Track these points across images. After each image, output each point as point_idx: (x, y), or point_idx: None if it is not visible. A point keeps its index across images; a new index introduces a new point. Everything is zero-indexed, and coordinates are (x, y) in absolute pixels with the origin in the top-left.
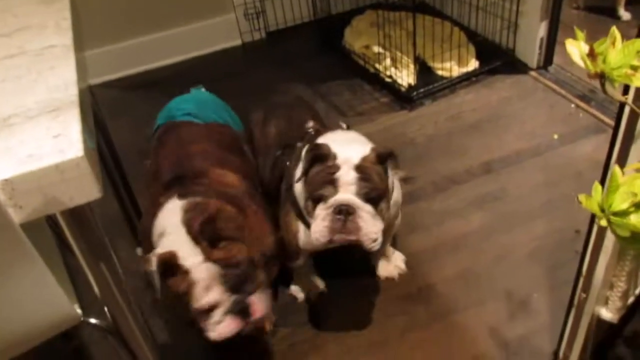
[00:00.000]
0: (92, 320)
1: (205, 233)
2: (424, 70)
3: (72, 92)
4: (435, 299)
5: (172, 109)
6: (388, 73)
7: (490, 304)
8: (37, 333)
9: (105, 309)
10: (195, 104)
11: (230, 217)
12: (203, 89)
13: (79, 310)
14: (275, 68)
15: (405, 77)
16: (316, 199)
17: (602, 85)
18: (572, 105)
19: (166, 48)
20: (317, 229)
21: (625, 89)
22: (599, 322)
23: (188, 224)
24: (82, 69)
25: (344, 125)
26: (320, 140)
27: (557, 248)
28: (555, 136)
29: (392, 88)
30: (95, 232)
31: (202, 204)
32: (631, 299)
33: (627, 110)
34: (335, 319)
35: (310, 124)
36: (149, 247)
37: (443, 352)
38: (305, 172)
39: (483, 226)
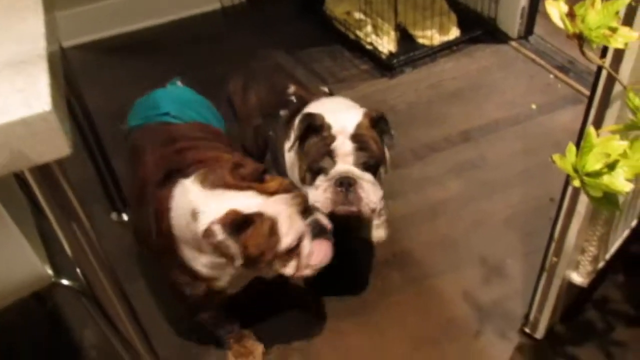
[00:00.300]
0: (64, 282)
1: (246, 176)
2: (405, 38)
3: (40, 46)
4: (411, 264)
5: (147, 108)
6: (369, 40)
7: (465, 269)
8: (7, 292)
9: (78, 270)
10: (173, 102)
11: (248, 161)
12: (179, 83)
13: (49, 271)
14: (255, 33)
15: (386, 44)
16: (316, 171)
17: (580, 47)
18: (551, 76)
19: (143, 10)
20: (319, 199)
21: (603, 53)
22: (569, 286)
23: (220, 182)
24: (52, 28)
25: (326, 90)
26: (311, 109)
27: (533, 215)
28: (534, 106)
29: (372, 55)
30: (66, 191)
31: (214, 165)
32: (601, 264)
33: (604, 74)
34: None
35: (292, 89)
36: (163, 247)
37: (419, 315)
38: (299, 142)
39: (461, 193)
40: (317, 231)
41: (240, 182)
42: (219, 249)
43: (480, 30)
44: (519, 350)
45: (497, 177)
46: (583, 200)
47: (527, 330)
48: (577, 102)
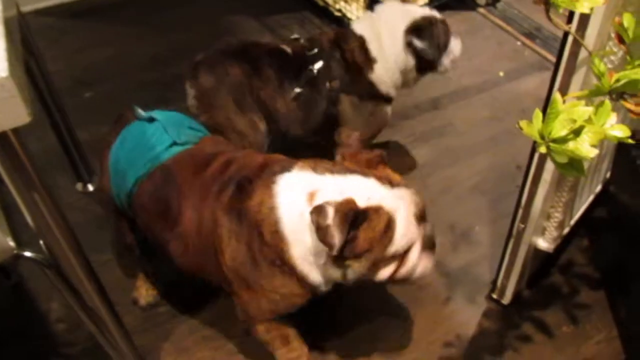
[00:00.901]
0: (27, 254)
1: (366, 162)
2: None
3: None
4: None
5: (144, 152)
6: (337, 7)
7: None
8: None
9: (41, 242)
10: (167, 130)
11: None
12: (141, 112)
13: (11, 243)
14: (224, 1)
15: (355, 10)
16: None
17: (547, 12)
18: (518, 43)
19: None
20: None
21: (569, 19)
22: (535, 252)
23: (336, 168)
24: None
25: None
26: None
27: (500, 182)
28: (501, 73)
29: (342, 22)
30: (25, 160)
31: (281, 164)
32: (567, 229)
33: (570, 39)
34: None
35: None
36: (270, 257)
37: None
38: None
39: (429, 161)
40: (429, 244)
41: (362, 168)
42: (321, 232)
43: None
44: (486, 316)
45: (464, 144)
46: (549, 167)
47: (494, 296)
48: (544, 68)
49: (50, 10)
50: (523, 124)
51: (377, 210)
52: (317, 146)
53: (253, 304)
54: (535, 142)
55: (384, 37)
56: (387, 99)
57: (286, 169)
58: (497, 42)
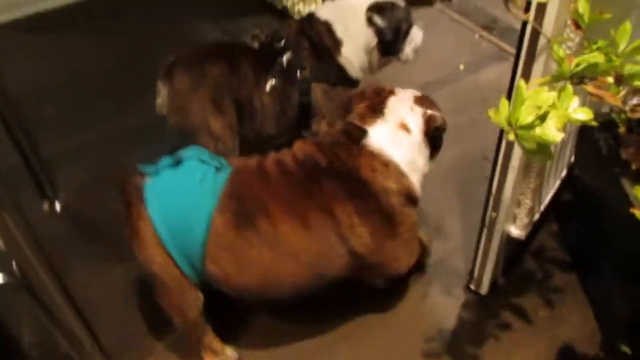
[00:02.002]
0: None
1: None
2: None
3: None
4: None
5: (201, 182)
6: (296, 9)
7: None
8: None
9: (13, 263)
10: (202, 157)
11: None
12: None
13: None
14: (180, 5)
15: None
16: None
17: (506, 2)
18: (476, 35)
19: None
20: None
21: (527, 8)
22: (508, 240)
23: (378, 108)
24: None
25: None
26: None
27: (467, 172)
28: (462, 66)
29: None
30: None
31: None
32: (537, 216)
33: (528, 28)
34: None
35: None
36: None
37: None
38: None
39: None
40: None
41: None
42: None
43: None
44: (465, 307)
45: None
46: (516, 155)
47: (472, 287)
48: (502, 59)
49: (5, 26)
50: (491, 112)
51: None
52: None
53: (403, 255)
54: (502, 130)
55: (348, 17)
56: (354, 83)
57: (359, 130)
58: (455, 36)
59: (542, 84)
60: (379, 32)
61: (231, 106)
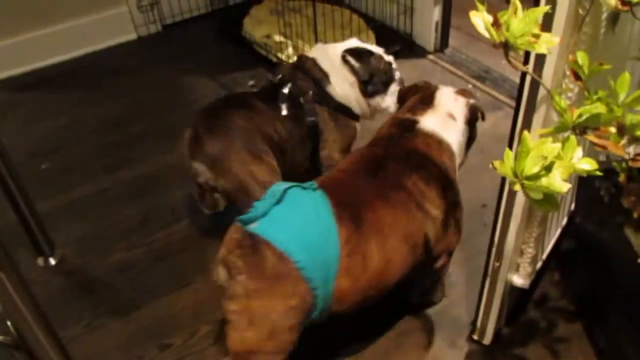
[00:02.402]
0: None
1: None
2: None
3: None
4: None
5: (315, 211)
6: (291, 62)
7: None
8: None
9: (9, 322)
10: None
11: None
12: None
13: None
14: (174, 62)
15: None
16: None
17: (506, 54)
18: (470, 85)
19: (56, 45)
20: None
21: (526, 59)
22: (511, 289)
23: (425, 102)
24: None
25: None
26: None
27: (467, 221)
28: None
29: None
30: None
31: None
32: (539, 264)
33: (528, 79)
34: None
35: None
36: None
37: (367, 331)
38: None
39: None
40: None
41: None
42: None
43: (398, 46)
44: (469, 358)
45: None
46: (519, 203)
47: (475, 337)
48: (496, 108)
49: (1, 83)
50: (497, 164)
51: None
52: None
53: (458, 226)
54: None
55: (331, 56)
56: (354, 116)
57: (410, 121)
58: (449, 86)
59: (545, 135)
60: (353, 70)
61: (265, 147)
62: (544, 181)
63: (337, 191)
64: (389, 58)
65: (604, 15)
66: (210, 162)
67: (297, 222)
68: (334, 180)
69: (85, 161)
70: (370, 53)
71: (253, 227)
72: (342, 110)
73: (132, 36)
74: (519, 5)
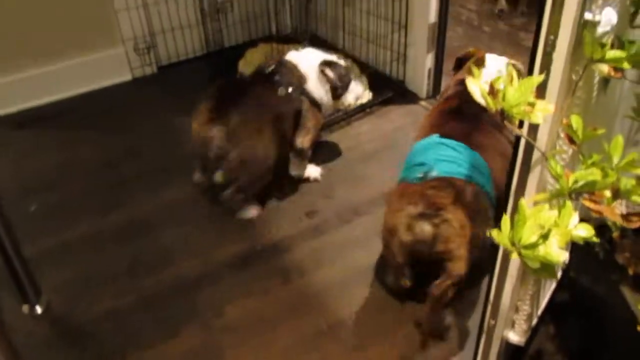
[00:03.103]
0: None
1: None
2: None
3: None
4: (346, 333)
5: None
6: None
7: (400, 333)
8: None
9: None
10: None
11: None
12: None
13: None
14: (169, 102)
15: None
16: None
17: (502, 120)
18: None
19: (51, 83)
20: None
21: (521, 122)
22: (507, 345)
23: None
24: None
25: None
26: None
27: None
28: None
29: None
30: None
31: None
32: (535, 321)
33: (522, 142)
34: None
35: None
36: None
37: None
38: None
39: None
40: None
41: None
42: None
43: (391, 92)
44: None
45: None
46: (514, 262)
47: None
48: None
49: None
50: (494, 232)
51: None
52: None
53: None
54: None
55: (308, 67)
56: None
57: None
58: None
59: (541, 201)
60: (328, 79)
61: (268, 125)
62: (541, 250)
63: (447, 135)
64: (347, 63)
65: (596, 79)
66: (229, 130)
67: (459, 158)
68: (438, 129)
69: (75, 203)
70: (338, 64)
71: (434, 173)
72: (315, 105)
73: (128, 77)
74: (515, 75)
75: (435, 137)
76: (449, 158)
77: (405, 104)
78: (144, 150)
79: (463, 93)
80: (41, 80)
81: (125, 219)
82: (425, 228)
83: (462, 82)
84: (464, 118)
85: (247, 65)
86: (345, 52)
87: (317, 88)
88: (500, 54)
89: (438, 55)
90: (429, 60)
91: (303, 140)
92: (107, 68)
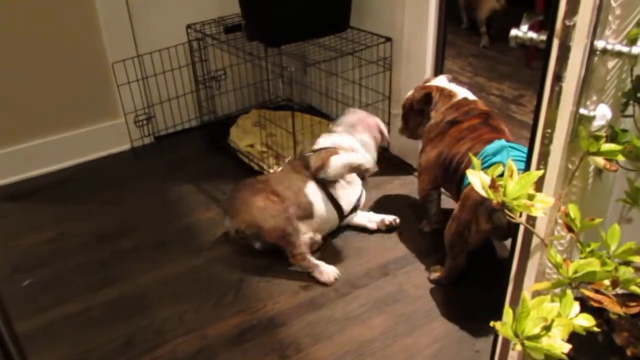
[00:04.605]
0: None
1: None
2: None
3: None
4: None
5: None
6: (272, 171)
7: None
8: None
9: None
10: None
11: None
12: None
13: None
14: (165, 173)
15: None
16: None
17: (503, 210)
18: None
19: (48, 154)
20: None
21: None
22: None
23: None
24: None
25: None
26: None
27: (459, 347)
28: None
29: None
30: None
31: None
32: None
33: (521, 229)
34: None
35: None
36: None
37: None
38: None
39: (385, 330)
40: None
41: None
42: None
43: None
44: None
45: (418, 309)
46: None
47: None
48: None
49: None
50: (497, 325)
51: None
52: None
53: None
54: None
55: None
56: None
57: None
58: None
59: (542, 289)
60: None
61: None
62: (544, 342)
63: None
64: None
65: (592, 168)
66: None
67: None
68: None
69: (69, 278)
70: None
71: (496, 158)
72: None
73: (126, 146)
74: (515, 168)
75: (502, 142)
76: (519, 158)
77: (401, 174)
78: (140, 223)
79: (469, 112)
80: (38, 151)
81: (119, 295)
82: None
83: (457, 106)
84: (492, 129)
85: (239, 132)
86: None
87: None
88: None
89: None
90: None
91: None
92: (105, 139)
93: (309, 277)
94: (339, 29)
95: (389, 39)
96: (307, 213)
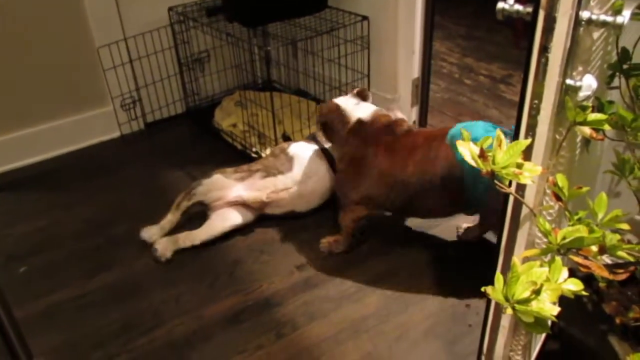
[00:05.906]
0: None
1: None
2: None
3: None
4: None
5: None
6: (254, 150)
7: None
8: None
9: None
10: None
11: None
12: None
13: None
14: (155, 159)
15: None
16: None
17: (492, 178)
18: None
19: (37, 144)
20: None
21: (510, 182)
22: None
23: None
24: None
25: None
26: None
27: (451, 323)
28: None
29: None
30: None
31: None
32: None
33: (511, 199)
34: None
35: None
36: None
37: None
38: None
39: (379, 307)
40: None
41: None
42: None
43: None
44: None
45: (411, 287)
46: (506, 314)
47: None
48: None
49: None
50: (488, 289)
51: None
52: None
53: None
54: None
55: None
56: None
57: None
58: None
59: (531, 256)
60: None
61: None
62: (534, 305)
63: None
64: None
65: (579, 138)
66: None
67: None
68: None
69: (64, 264)
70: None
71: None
72: None
73: (116, 134)
74: (504, 139)
75: (459, 125)
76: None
77: None
78: (132, 209)
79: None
80: (27, 141)
81: (114, 280)
82: None
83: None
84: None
85: (222, 112)
86: (318, 98)
87: None
88: (482, 106)
89: (422, 108)
90: (414, 114)
91: None
92: (96, 126)
93: (303, 258)
94: (317, 9)
95: (365, 18)
96: None
